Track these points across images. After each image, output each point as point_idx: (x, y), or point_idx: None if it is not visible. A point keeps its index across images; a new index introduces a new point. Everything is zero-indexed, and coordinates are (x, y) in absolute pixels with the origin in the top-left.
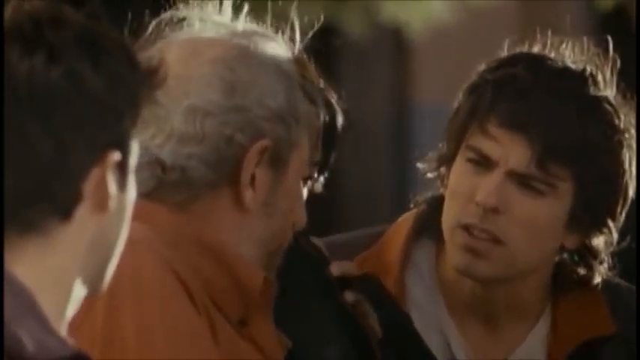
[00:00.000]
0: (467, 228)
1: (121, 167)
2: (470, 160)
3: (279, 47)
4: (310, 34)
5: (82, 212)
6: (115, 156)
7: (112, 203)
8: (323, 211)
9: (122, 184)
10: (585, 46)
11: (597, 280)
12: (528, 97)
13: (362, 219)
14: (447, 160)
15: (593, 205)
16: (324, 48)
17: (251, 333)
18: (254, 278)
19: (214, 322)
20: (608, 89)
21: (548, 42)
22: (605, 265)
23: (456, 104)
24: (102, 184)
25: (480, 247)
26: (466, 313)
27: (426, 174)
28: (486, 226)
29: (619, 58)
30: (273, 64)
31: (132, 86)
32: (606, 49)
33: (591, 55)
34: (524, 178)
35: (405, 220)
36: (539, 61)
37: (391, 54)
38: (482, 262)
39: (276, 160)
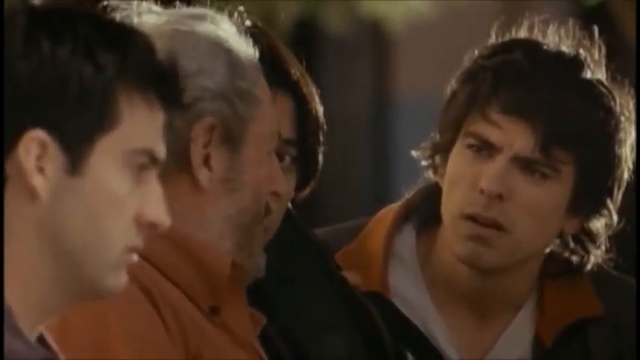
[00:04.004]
0: (471, 217)
1: (68, 150)
2: (470, 147)
3: (217, 27)
4: (290, 28)
5: (13, 196)
6: (35, 135)
7: (42, 187)
8: (301, 206)
9: (71, 168)
10: (571, 30)
11: (590, 265)
12: (528, 82)
13: (341, 213)
14: (443, 148)
15: (593, 187)
16: (304, 42)
17: (224, 320)
18: (221, 264)
19: (182, 319)
20: (598, 72)
21: (535, 25)
22: (603, 248)
23: (449, 92)
24: (20, 166)
25: (485, 235)
26: (456, 304)
27: (420, 162)
28: (491, 214)
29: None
30: (207, 44)
31: (74, 72)
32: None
33: (578, 38)
34: (528, 163)
35: (387, 212)
36: (535, 46)
37: (371, 48)
38: (487, 251)
39: (229, 136)
